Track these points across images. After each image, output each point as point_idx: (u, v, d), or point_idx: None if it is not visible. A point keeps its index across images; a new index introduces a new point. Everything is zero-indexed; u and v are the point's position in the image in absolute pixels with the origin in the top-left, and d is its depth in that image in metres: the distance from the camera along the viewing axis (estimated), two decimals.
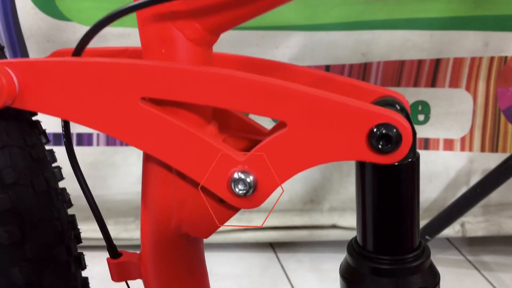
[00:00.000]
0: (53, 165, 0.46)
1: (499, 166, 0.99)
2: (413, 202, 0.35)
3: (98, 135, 1.18)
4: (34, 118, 0.45)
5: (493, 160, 1.11)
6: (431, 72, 1.15)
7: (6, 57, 0.44)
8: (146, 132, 0.36)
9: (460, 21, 1.11)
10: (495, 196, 1.03)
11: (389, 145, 0.31)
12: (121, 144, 1.19)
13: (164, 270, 0.42)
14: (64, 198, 0.46)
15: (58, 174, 0.46)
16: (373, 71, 1.15)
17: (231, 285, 1.06)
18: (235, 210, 0.38)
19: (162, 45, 0.36)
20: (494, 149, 1.15)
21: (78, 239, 0.47)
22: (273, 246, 1.24)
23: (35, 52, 1.06)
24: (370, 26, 1.12)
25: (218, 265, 1.10)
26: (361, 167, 0.35)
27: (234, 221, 1.18)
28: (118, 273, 0.44)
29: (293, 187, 1.17)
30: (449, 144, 1.14)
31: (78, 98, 0.37)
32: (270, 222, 1.17)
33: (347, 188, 1.19)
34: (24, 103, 0.38)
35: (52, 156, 0.46)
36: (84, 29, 1.35)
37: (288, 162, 0.34)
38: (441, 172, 1.13)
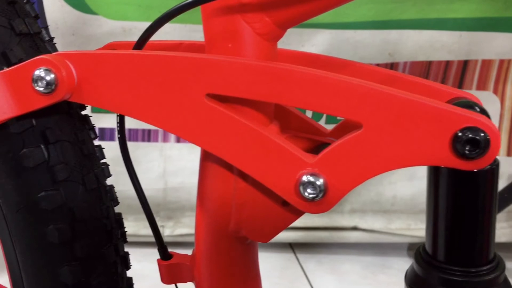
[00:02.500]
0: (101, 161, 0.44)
1: None
2: (491, 212, 0.33)
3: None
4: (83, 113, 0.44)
5: None
6: (459, 73, 1.13)
7: (57, 50, 0.42)
8: (210, 129, 0.34)
9: (489, 22, 1.09)
10: None
11: (476, 151, 0.29)
12: (143, 140, 1.18)
13: (219, 273, 0.40)
14: (112, 196, 0.44)
15: (106, 171, 0.44)
16: (399, 72, 1.14)
17: None
18: (299, 214, 0.36)
19: (229, 39, 0.35)
20: None
21: (125, 238, 0.45)
22: (293, 247, 1.22)
23: (59, 45, 1.05)
24: (398, 26, 1.10)
25: None
26: (435, 172, 0.34)
27: None
28: (168, 275, 0.43)
29: None
30: None
31: (139, 92, 0.35)
32: None
33: (368, 189, 1.17)
34: (81, 96, 0.36)
35: (101, 152, 0.44)
36: (110, 23, 1.34)
37: (361, 166, 0.32)
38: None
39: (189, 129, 0.35)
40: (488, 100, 1.11)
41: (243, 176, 0.37)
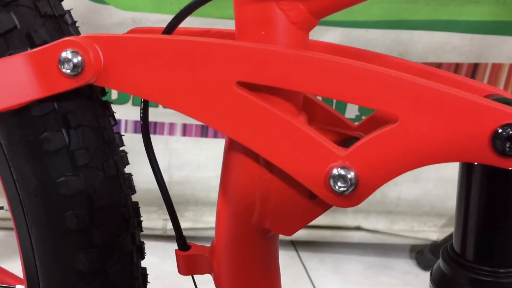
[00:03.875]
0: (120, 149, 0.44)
1: None
2: None
3: (126, 121, 1.17)
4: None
5: None
6: (468, 76, 1.12)
7: (79, 33, 0.41)
8: (238, 118, 0.34)
9: (501, 26, 1.08)
10: None
11: None
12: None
13: (239, 266, 0.39)
14: (130, 184, 0.43)
15: (125, 159, 0.44)
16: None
17: None
18: (326, 207, 0.36)
19: (262, 26, 0.34)
20: None
21: (140, 228, 0.45)
22: (295, 245, 1.22)
23: None
24: (409, 26, 1.10)
25: None
26: (468, 168, 0.33)
27: None
28: (186, 266, 0.42)
29: None
30: None
31: (168, 78, 0.34)
32: None
33: None
34: (107, 80, 0.36)
35: (120, 139, 0.44)
36: (120, 13, 1.33)
37: (395, 161, 0.31)
38: None
39: (217, 117, 0.34)
40: None
41: (270, 166, 0.36)
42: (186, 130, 1.20)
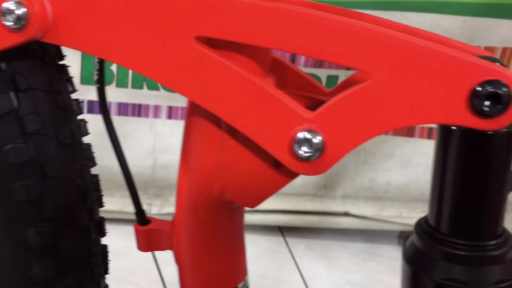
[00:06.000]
0: (79, 117, 0.41)
1: None
2: (504, 181, 0.30)
3: (110, 103, 1.14)
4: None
5: None
6: None
7: None
8: (197, 77, 0.31)
9: (494, 8, 1.06)
10: None
11: (496, 107, 0.26)
12: (133, 115, 1.15)
13: (200, 240, 0.37)
14: (89, 155, 0.41)
15: (83, 128, 0.41)
16: None
17: None
18: (292, 176, 0.33)
19: None
20: None
21: (100, 203, 0.42)
22: (282, 230, 1.20)
23: None
24: (401, 7, 1.07)
25: None
26: (445, 132, 0.30)
27: None
28: (145, 242, 0.39)
29: None
30: None
31: (122, 33, 0.31)
32: (280, 205, 1.14)
33: (362, 175, 1.15)
34: (57, 36, 0.33)
35: (78, 106, 0.41)
36: None
37: (366, 123, 0.29)
38: None
39: (174, 76, 0.31)
40: None
41: (232, 132, 0.33)
42: (171, 113, 1.17)
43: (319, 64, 1.02)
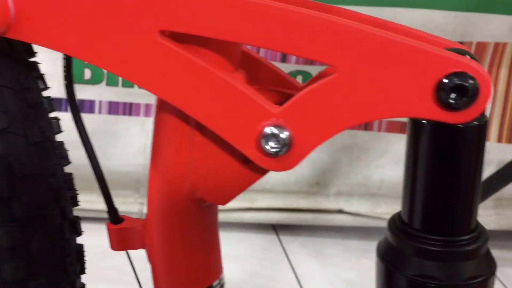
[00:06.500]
0: (52, 115, 0.40)
1: None
2: (476, 175, 0.30)
3: (100, 102, 1.13)
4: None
5: (509, 151, 1.07)
6: None
7: None
8: (163, 73, 0.30)
9: (486, 3, 1.06)
10: (508, 189, 0.99)
11: (463, 99, 0.25)
12: (124, 113, 1.14)
13: (172, 239, 0.36)
14: (61, 153, 0.40)
15: (56, 126, 0.40)
16: None
17: (230, 266, 1.02)
18: (261, 172, 0.32)
19: None
20: (511, 140, 1.11)
21: (75, 202, 0.41)
22: (276, 228, 1.19)
23: None
24: (392, 3, 1.07)
25: None
26: (416, 126, 0.30)
27: (237, 201, 1.15)
28: (118, 241, 0.39)
29: (300, 168, 1.12)
30: None
31: (86, 29, 0.31)
32: (273, 204, 1.13)
33: (356, 172, 1.15)
34: (20, 33, 0.32)
35: (50, 104, 0.40)
36: None
37: (333, 117, 0.28)
38: None
39: (139, 72, 0.31)
40: None
41: (201, 128, 0.33)
42: None
43: (311, 61, 1.02)
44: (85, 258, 0.42)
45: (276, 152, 0.29)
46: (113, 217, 0.39)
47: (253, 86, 0.35)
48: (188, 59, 0.30)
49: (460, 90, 0.26)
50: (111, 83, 1.11)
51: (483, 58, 1.08)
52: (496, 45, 1.07)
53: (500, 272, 1.03)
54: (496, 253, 1.05)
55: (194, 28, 0.29)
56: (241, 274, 1.01)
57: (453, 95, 0.26)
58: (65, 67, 0.37)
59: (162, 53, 0.30)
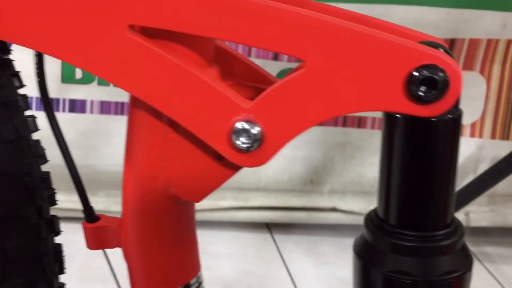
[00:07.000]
0: (28, 113, 0.40)
1: (510, 155, 0.94)
2: (451, 169, 0.29)
3: (92, 102, 1.13)
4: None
5: (503, 148, 1.06)
6: None
7: None
8: (133, 68, 0.30)
9: (478, 0, 1.05)
10: (502, 186, 0.99)
11: (433, 92, 0.25)
12: (116, 113, 1.14)
13: (147, 237, 0.36)
14: (37, 152, 0.39)
15: (31, 124, 0.40)
16: None
17: (224, 265, 1.02)
18: (234, 169, 0.32)
19: None
20: (505, 136, 1.10)
21: (52, 201, 0.41)
22: (269, 227, 1.19)
23: None
24: (385, 0, 1.06)
25: (211, 244, 1.06)
26: (390, 121, 0.29)
27: (231, 200, 1.14)
28: (94, 240, 0.38)
29: (293, 166, 1.12)
30: None
31: (55, 25, 0.30)
32: (267, 202, 1.13)
33: (349, 170, 1.14)
34: None
35: (25, 102, 0.39)
36: None
37: (304, 111, 0.28)
38: None
39: (109, 68, 0.30)
40: (474, 81, 1.08)
41: (174, 124, 0.32)
42: None
43: None
44: (64, 257, 0.42)
45: (248, 147, 0.29)
46: (89, 215, 0.39)
47: (228, 82, 0.34)
48: (158, 54, 0.30)
49: (430, 83, 0.25)
50: (103, 82, 1.11)
51: (476, 54, 1.07)
52: (489, 41, 1.06)
53: (494, 269, 1.02)
54: (490, 250, 1.05)
55: (162, 22, 0.29)
56: (235, 273, 1.01)
57: (423, 88, 0.25)
58: (37, 64, 0.37)
59: (131, 49, 0.30)
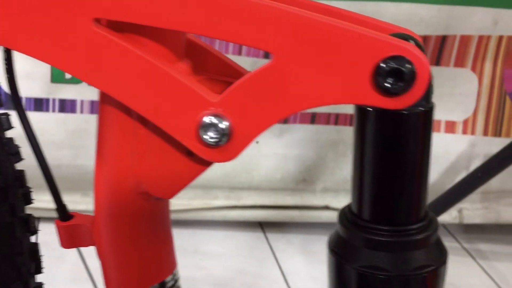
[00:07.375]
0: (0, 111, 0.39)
1: (502, 151, 0.93)
2: (423, 163, 0.29)
3: (82, 102, 1.12)
4: None
5: (495, 144, 1.06)
6: (436, 49, 1.09)
7: None
8: (101, 64, 0.29)
9: None
10: (494, 182, 0.98)
11: (399, 84, 0.25)
12: None
13: (120, 234, 0.35)
14: (10, 150, 0.39)
15: (4, 122, 0.39)
16: None
17: (217, 264, 1.01)
18: (205, 164, 0.31)
19: None
20: (497, 133, 1.10)
21: (27, 199, 0.40)
22: (262, 226, 1.19)
23: None
24: None
25: (204, 244, 1.05)
26: (361, 114, 0.29)
27: (223, 199, 1.14)
28: (68, 239, 0.38)
29: (286, 165, 1.11)
30: (450, 127, 1.08)
31: (20, 19, 0.30)
32: (260, 201, 1.13)
33: (342, 168, 1.14)
34: None
35: None
36: None
37: (272, 105, 0.27)
38: (441, 156, 1.08)
39: (76, 63, 0.30)
40: (466, 78, 1.07)
41: (143, 120, 0.32)
42: None
43: None
44: (41, 256, 0.41)
45: (216, 142, 0.28)
46: (62, 214, 0.38)
47: (200, 76, 0.34)
48: (125, 48, 0.29)
49: (397, 74, 0.25)
50: None
51: (468, 51, 1.07)
52: (480, 38, 1.06)
53: (488, 266, 1.02)
54: (483, 247, 1.04)
55: (127, 15, 0.28)
56: (228, 272, 1.00)
57: (390, 80, 0.25)
58: (5, 60, 0.36)
59: (97, 43, 0.29)
